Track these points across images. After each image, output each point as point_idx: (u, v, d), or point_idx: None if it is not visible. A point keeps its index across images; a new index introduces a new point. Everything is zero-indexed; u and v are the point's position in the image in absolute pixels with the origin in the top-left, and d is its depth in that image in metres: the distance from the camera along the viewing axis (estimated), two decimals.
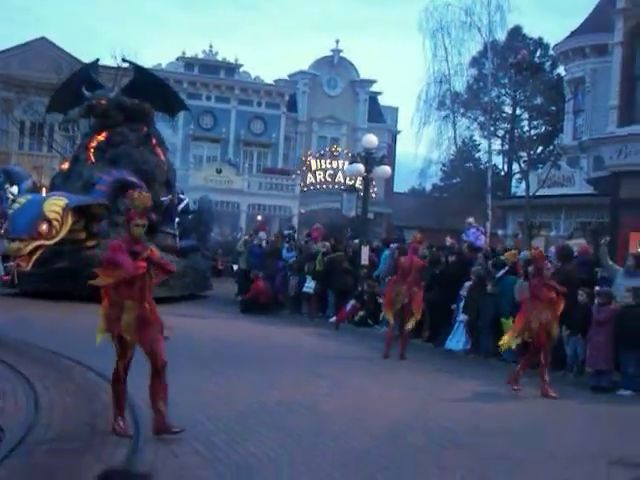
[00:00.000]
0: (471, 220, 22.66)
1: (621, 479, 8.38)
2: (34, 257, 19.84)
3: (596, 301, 14.17)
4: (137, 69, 27.94)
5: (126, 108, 25.35)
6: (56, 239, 20.69)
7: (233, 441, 8.82)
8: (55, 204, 20.99)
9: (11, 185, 24.98)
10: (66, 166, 26.48)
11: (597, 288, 14.63)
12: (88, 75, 26.90)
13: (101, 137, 25.45)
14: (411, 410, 11.18)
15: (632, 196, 26.03)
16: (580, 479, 8.33)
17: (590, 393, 13.59)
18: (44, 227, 20.26)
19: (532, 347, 13.48)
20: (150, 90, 26.06)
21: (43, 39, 47.83)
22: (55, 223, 20.65)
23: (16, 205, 21.16)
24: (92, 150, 25.21)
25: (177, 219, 25.97)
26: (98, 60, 28.40)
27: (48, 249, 20.52)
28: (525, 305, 13.48)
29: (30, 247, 19.59)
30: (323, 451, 8.72)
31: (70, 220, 21.27)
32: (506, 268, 16.51)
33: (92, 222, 22.52)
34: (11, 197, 25.04)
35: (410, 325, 16.29)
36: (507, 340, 13.61)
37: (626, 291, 14.16)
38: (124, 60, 29.84)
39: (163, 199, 24.81)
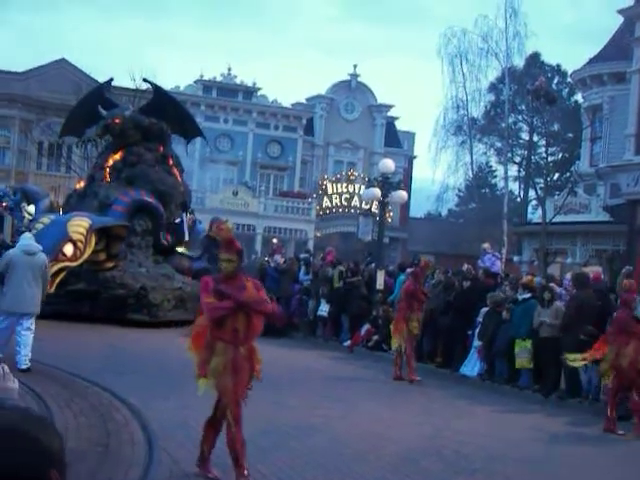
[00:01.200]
0: (487, 245, 22.64)
1: None
2: (57, 279, 19.70)
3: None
4: (156, 89, 27.64)
5: (143, 127, 25.15)
6: (80, 261, 20.68)
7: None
8: (79, 225, 20.89)
9: (28, 204, 25.02)
10: (81, 185, 26.19)
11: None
12: (102, 95, 26.64)
13: (117, 156, 25.15)
14: (425, 435, 11.15)
15: None
16: None
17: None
18: (69, 248, 20.27)
19: (620, 383, 12.72)
20: (168, 112, 25.90)
21: (62, 60, 48.23)
22: (79, 244, 20.60)
23: (39, 225, 21.07)
24: (108, 170, 24.94)
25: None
26: (112, 79, 27.98)
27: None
28: (609, 338, 12.87)
29: (55, 269, 19.31)
30: (335, 475, 8.69)
31: (94, 241, 21.20)
32: (529, 293, 16.42)
33: (112, 243, 22.42)
34: (27, 215, 25.10)
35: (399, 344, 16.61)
36: (575, 358, 13.26)
37: None
38: (145, 80, 29.16)
39: (177, 221, 24.79)
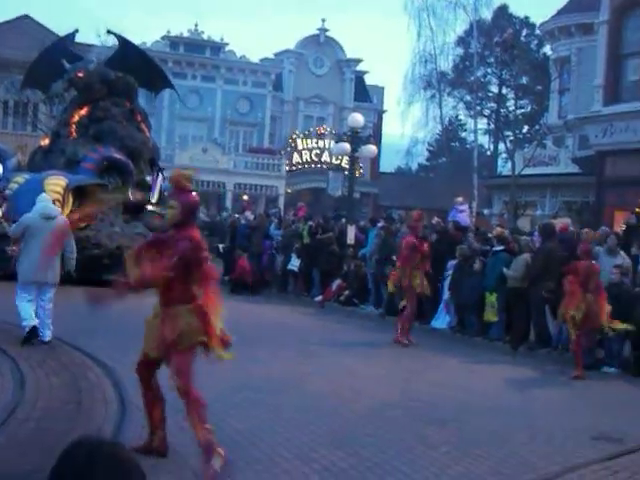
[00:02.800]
0: (460, 199, 22.68)
1: (604, 454, 8.45)
2: None
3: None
4: (121, 41, 26.66)
5: (110, 81, 24.30)
6: None
7: (218, 418, 8.82)
8: (56, 184, 20.38)
9: None
10: (46, 142, 25.22)
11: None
12: (66, 47, 25.78)
13: (83, 112, 24.32)
14: (396, 388, 11.24)
15: (617, 175, 26.14)
16: (563, 455, 8.39)
17: (573, 370, 13.66)
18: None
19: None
20: (134, 64, 25.10)
21: (26, 17, 47.53)
22: (57, 204, 20.14)
23: (14, 185, 20.66)
24: (74, 126, 24.14)
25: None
26: (77, 31, 26.83)
27: None
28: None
29: None
30: (308, 428, 8.76)
31: (71, 201, 20.72)
32: (501, 245, 16.47)
33: (85, 202, 21.76)
34: None
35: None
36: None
37: (613, 267, 14.24)
38: (109, 32, 28.07)
39: (149, 178, 24.29)
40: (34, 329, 11.93)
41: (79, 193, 21.45)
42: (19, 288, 12.17)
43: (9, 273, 13.63)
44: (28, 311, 12.02)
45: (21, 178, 20.97)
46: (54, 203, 19.64)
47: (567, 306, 13.25)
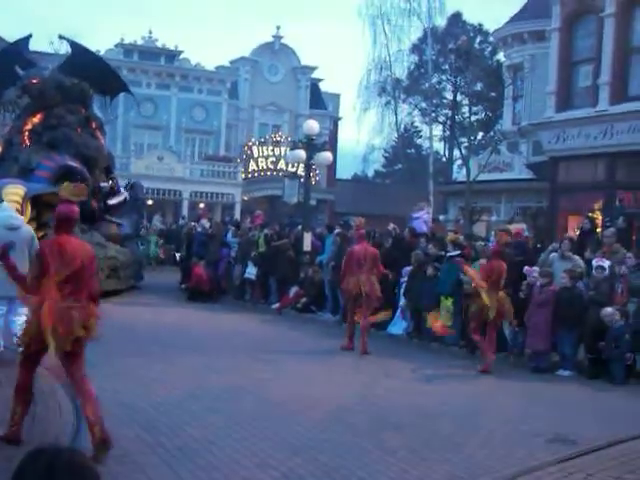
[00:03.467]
0: (418, 206, 22.74)
1: (559, 456, 8.53)
2: None
3: (538, 282, 14.40)
4: (74, 46, 26.07)
5: (64, 88, 23.66)
6: None
7: (175, 426, 8.82)
8: (15, 193, 19.46)
9: None
10: None
11: (534, 269, 14.87)
12: (19, 53, 25.09)
13: (36, 119, 23.69)
14: (354, 394, 11.27)
15: (570, 180, 26.40)
16: (519, 457, 8.47)
17: (530, 374, 13.81)
18: None
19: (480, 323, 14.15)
20: (88, 69, 24.52)
21: None
22: (16, 214, 19.92)
23: None
24: (27, 133, 23.49)
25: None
26: (30, 36, 26.02)
27: None
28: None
29: None
30: (266, 435, 8.76)
31: (29, 210, 19.77)
32: (457, 250, 16.58)
33: (42, 212, 20.90)
34: None
35: (381, 317, 16.47)
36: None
37: (563, 272, 14.41)
38: (60, 37, 27.51)
39: (103, 185, 23.87)
40: None
41: (36, 202, 20.76)
42: None
43: None
44: None
45: None
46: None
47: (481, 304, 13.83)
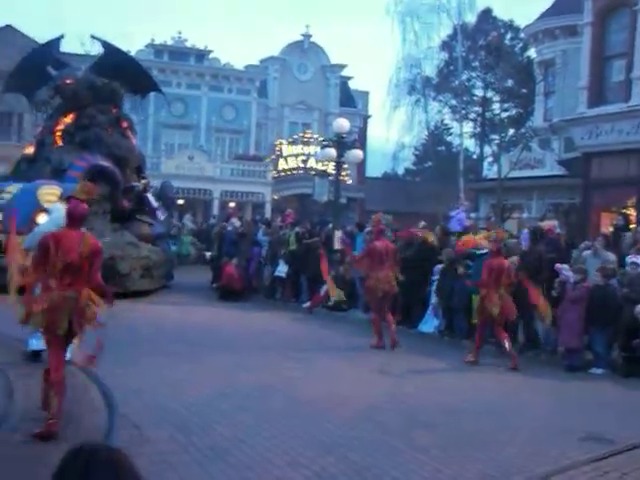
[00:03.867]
0: (463, 203, 22.60)
1: (592, 455, 8.45)
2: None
3: (571, 279, 14.25)
4: (106, 46, 25.92)
5: (95, 88, 23.75)
6: None
7: (207, 425, 8.82)
8: (50, 193, 19.74)
9: None
10: (31, 151, 24.62)
11: (564, 266, 14.72)
12: (51, 53, 25.12)
13: (68, 119, 23.87)
14: (384, 392, 11.23)
15: (602, 176, 26.20)
16: (552, 456, 8.40)
17: (563, 372, 13.69)
18: (43, 218, 19.34)
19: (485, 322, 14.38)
20: (119, 69, 24.50)
21: (9, 27, 47.34)
22: None
23: (6, 195, 20.20)
24: (59, 133, 23.66)
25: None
26: (62, 37, 25.96)
27: None
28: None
29: None
30: (297, 433, 8.75)
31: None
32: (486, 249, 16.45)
33: None
34: None
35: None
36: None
37: (596, 271, 14.28)
38: (92, 37, 27.13)
39: (135, 184, 23.92)
40: (40, 352, 11.07)
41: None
42: None
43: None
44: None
45: (13, 187, 20.56)
46: (47, 212, 19.26)
47: (485, 302, 13.94)
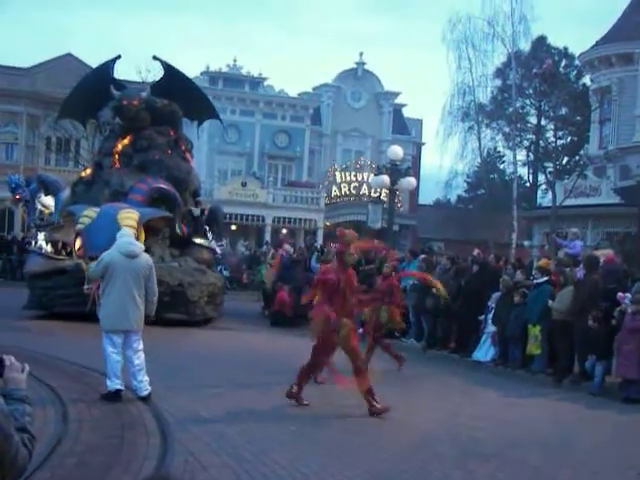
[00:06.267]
0: (575, 230, 22.31)
1: None
2: None
3: (629, 309, 14.00)
4: (167, 68, 24.83)
5: (155, 109, 23.18)
6: None
7: (261, 453, 8.79)
8: (129, 217, 19.23)
9: (46, 194, 23.66)
10: (87, 173, 23.92)
11: (627, 295, 14.45)
12: (110, 74, 24.31)
13: (126, 141, 23.28)
14: (439, 421, 11.12)
15: None
16: None
17: (620, 404, 13.44)
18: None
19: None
20: (179, 93, 23.79)
21: (69, 55, 48.19)
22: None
23: (85, 219, 19.68)
24: (117, 155, 23.08)
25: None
26: (119, 57, 24.93)
27: None
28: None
29: None
30: (351, 462, 8.67)
31: (143, 236, 19.26)
32: (544, 277, 16.26)
33: (148, 236, 20.27)
34: (41, 208, 23.93)
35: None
36: None
37: None
38: (154, 58, 25.49)
39: (193, 209, 23.49)
40: (117, 392, 10.78)
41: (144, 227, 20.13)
42: (103, 336, 11.02)
43: (87, 313, 12.15)
44: (114, 369, 10.79)
45: (92, 212, 19.87)
46: None
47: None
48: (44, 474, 7.38)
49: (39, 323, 19.46)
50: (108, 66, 24.63)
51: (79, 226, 19.90)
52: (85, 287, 11.93)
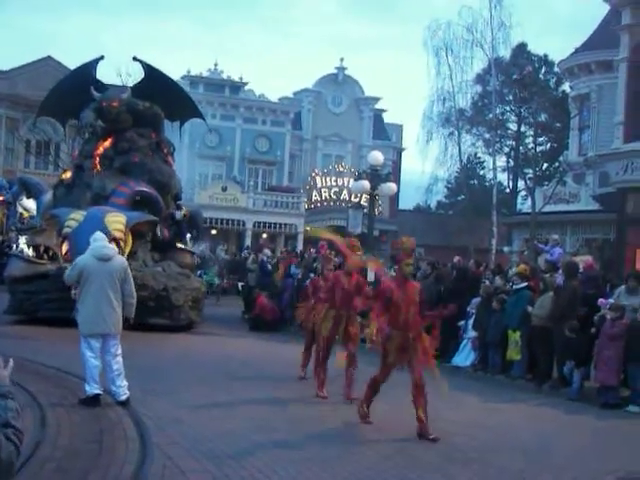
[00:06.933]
0: (556, 237, 22.39)
1: None
2: None
3: (608, 316, 14.07)
4: (148, 69, 24.36)
5: (137, 111, 22.86)
6: None
7: (241, 458, 8.76)
8: (117, 221, 19.09)
9: (27, 197, 23.24)
10: (68, 176, 23.41)
11: (608, 301, 14.52)
12: (91, 74, 23.86)
13: (107, 143, 22.84)
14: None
15: (638, 212, 26.00)
16: None
17: (598, 409, 13.50)
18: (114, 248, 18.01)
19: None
20: (160, 93, 23.39)
21: (48, 58, 48.07)
22: (122, 243, 18.50)
23: (72, 223, 19.38)
24: (98, 158, 22.60)
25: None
26: (102, 57, 24.36)
27: None
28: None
29: None
30: (330, 467, 8.66)
31: (130, 239, 19.38)
32: (523, 282, 16.31)
33: (134, 240, 20.32)
34: (22, 211, 23.64)
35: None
36: None
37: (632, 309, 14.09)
38: (134, 59, 24.86)
39: (174, 212, 23.26)
40: (96, 397, 10.70)
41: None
42: (82, 341, 10.92)
43: (71, 318, 12.21)
44: (92, 374, 10.72)
45: (79, 215, 19.54)
46: (119, 242, 17.83)
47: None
48: None
49: (18, 328, 19.34)
50: (90, 66, 24.19)
51: (66, 230, 19.62)
52: (73, 292, 11.85)
